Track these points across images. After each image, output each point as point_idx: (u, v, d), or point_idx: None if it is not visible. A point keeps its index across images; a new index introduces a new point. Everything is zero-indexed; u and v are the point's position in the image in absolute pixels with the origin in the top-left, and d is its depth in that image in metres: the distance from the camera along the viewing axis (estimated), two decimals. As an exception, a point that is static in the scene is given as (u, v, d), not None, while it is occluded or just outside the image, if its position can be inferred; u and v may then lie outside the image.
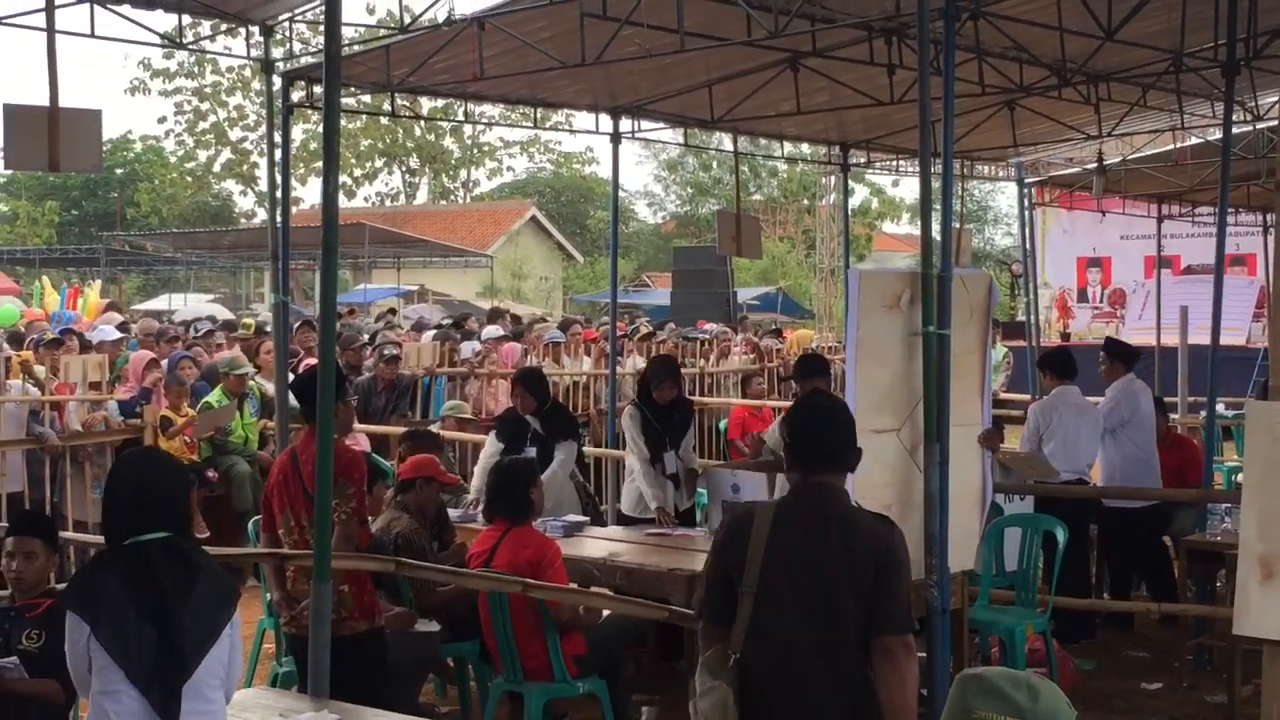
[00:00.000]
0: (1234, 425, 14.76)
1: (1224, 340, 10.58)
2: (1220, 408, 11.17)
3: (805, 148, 16.39)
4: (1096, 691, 8.18)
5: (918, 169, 7.40)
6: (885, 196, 50.10)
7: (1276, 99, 12.10)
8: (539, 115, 12.55)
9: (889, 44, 9.72)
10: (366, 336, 16.63)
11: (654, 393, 9.22)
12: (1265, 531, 3.78)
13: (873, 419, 6.80)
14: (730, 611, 4.21)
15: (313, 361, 11.58)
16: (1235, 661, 7.91)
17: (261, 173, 46.69)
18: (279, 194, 9.94)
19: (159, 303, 35.68)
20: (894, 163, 15.33)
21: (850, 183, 15.73)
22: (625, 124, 12.07)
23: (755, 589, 4.15)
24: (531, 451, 9.30)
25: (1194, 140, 15.09)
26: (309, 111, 11.30)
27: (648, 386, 9.30)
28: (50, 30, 8.04)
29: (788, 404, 11.55)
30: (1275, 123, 13.32)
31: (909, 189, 53.26)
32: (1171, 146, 15.31)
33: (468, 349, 15.43)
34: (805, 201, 45.38)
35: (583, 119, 12.18)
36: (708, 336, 19.71)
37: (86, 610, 4.07)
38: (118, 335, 14.01)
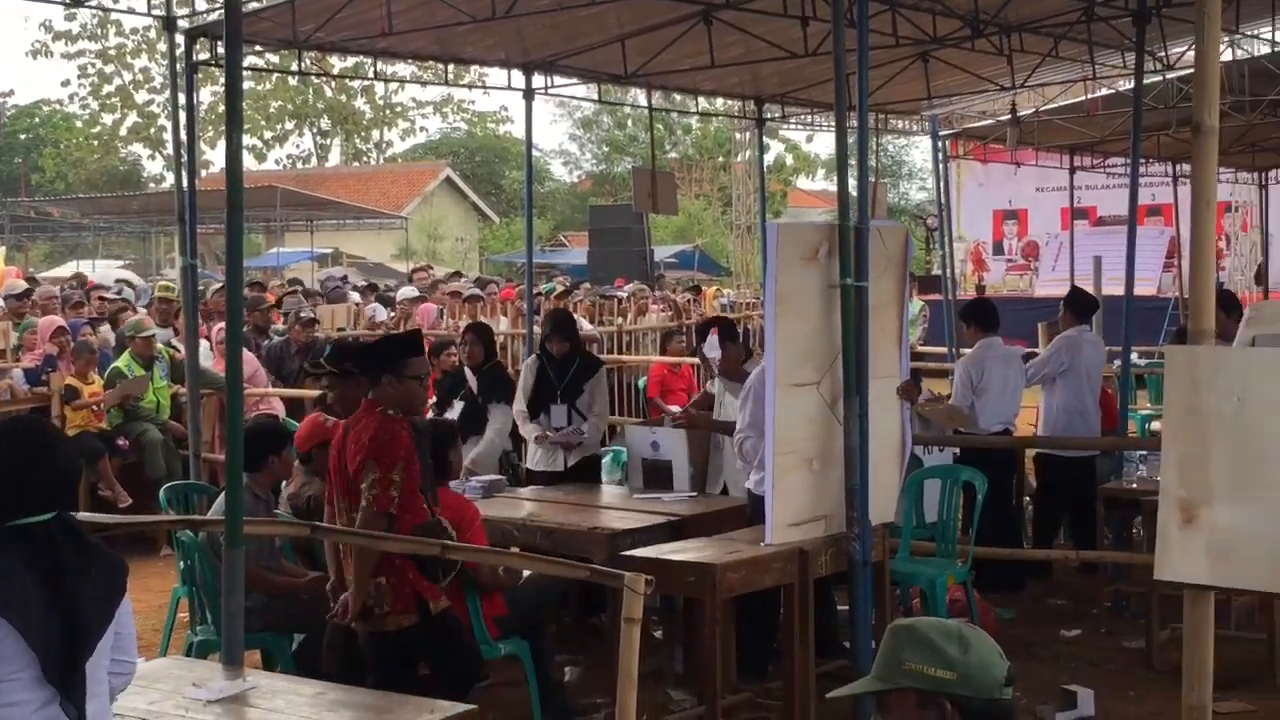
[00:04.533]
0: (1147, 374, 14.91)
1: (1136, 290, 10.66)
2: (1133, 356, 11.26)
3: (720, 103, 16.32)
4: (1017, 639, 8.21)
5: (833, 123, 7.34)
6: (800, 152, 50.20)
7: (1186, 48, 12.15)
8: (451, 73, 12.37)
9: (802, -5, 9.65)
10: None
11: (547, 345, 9.21)
12: (1185, 476, 3.76)
13: (793, 373, 6.77)
14: None
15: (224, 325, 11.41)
16: (1152, 607, 7.99)
17: (170, 136, 45.98)
18: (185, 156, 9.73)
19: (67, 269, 35.07)
20: (809, 117, 15.28)
21: (765, 139, 15.67)
22: (538, 80, 11.92)
23: None
24: (458, 408, 9.23)
25: (1105, 91, 15.17)
26: (216, 72, 11.04)
27: (545, 341, 9.31)
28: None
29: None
30: (1186, 72, 13.41)
31: (823, 145, 53.36)
32: (1084, 97, 15.39)
33: (379, 313, 15.27)
34: (720, 159, 45.36)
35: (495, 76, 12.05)
36: (625, 295, 19.66)
37: None
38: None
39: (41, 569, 3.80)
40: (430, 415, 9.24)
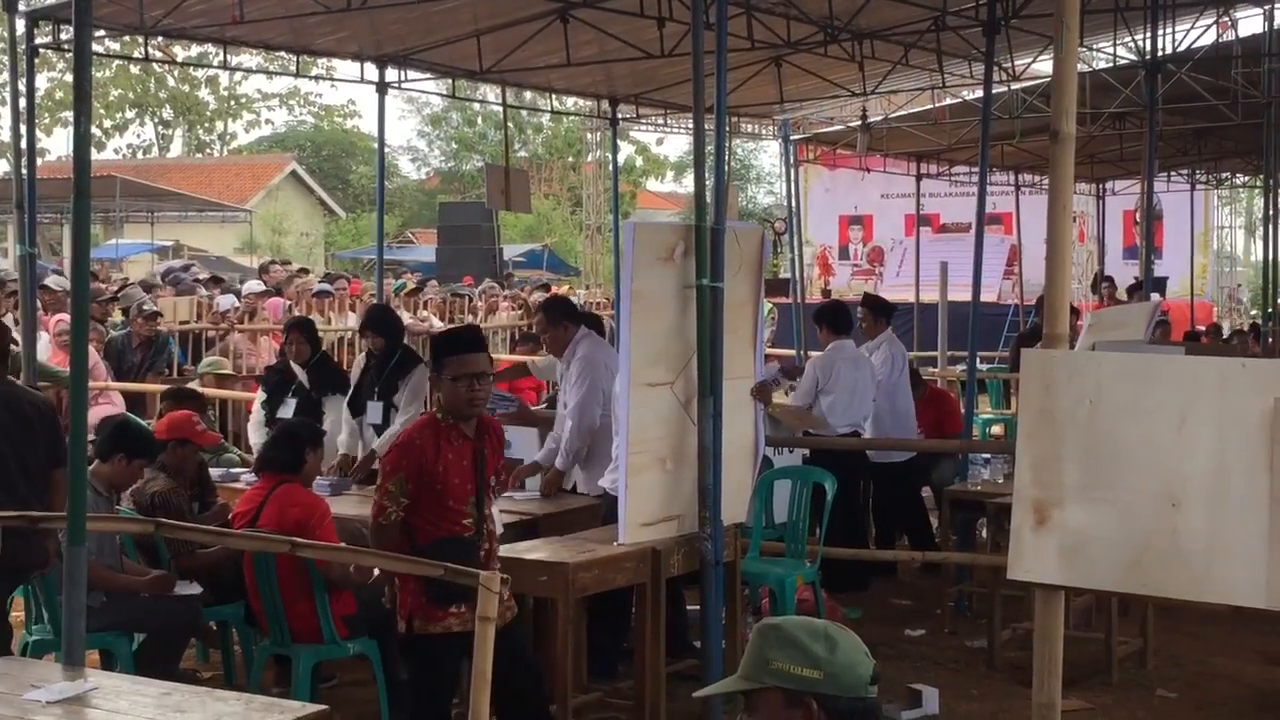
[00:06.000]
0: (988, 378, 15.22)
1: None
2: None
3: (573, 103, 16.31)
4: (864, 638, 8.01)
5: (687, 124, 7.38)
6: (649, 154, 50.39)
7: (1033, 59, 12.44)
8: (300, 64, 12.18)
9: (659, -4, 9.68)
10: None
11: (363, 340, 9.08)
12: (1039, 477, 3.82)
13: (647, 372, 6.76)
14: None
15: (64, 317, 11.12)
16: (995, 607, 8.14)
17: (4, 121, 44.71)
18: (24, 143, 9.45)
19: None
20: (663, 118, 15.34)
21: (616, 139, 15.70)
22: (391, 74, 11.80)
23: None
24: (291, 404, 9.07)
25: (951, 100, 15.45)
26: (54, 58, 10.76)
27: None
28: None
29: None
30: (1032, 83, 13.73)
31: (673, 147, 53.69)
32: (931, 106, 15.66)
33: (226, 303, 14.99)
34: (570, 159, 45.35)
35: (346, 69, 11.86)
36: (476, 293, 19.55)
37: None
38: None
39: None
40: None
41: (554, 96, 14.84)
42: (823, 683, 2.71)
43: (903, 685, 7.40)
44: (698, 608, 7.36)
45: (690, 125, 8.44)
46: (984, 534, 9.59)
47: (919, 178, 19.93)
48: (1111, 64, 14.34)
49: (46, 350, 11.41)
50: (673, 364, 6.94)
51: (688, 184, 45.15)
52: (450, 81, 13.25)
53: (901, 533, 10.64)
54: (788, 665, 2.72)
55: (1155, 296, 10.86)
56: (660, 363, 6.90)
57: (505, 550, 6.81)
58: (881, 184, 25.07)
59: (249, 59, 12.14)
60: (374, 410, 8.91)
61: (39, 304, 11.59)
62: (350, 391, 9.07)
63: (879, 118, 16.24)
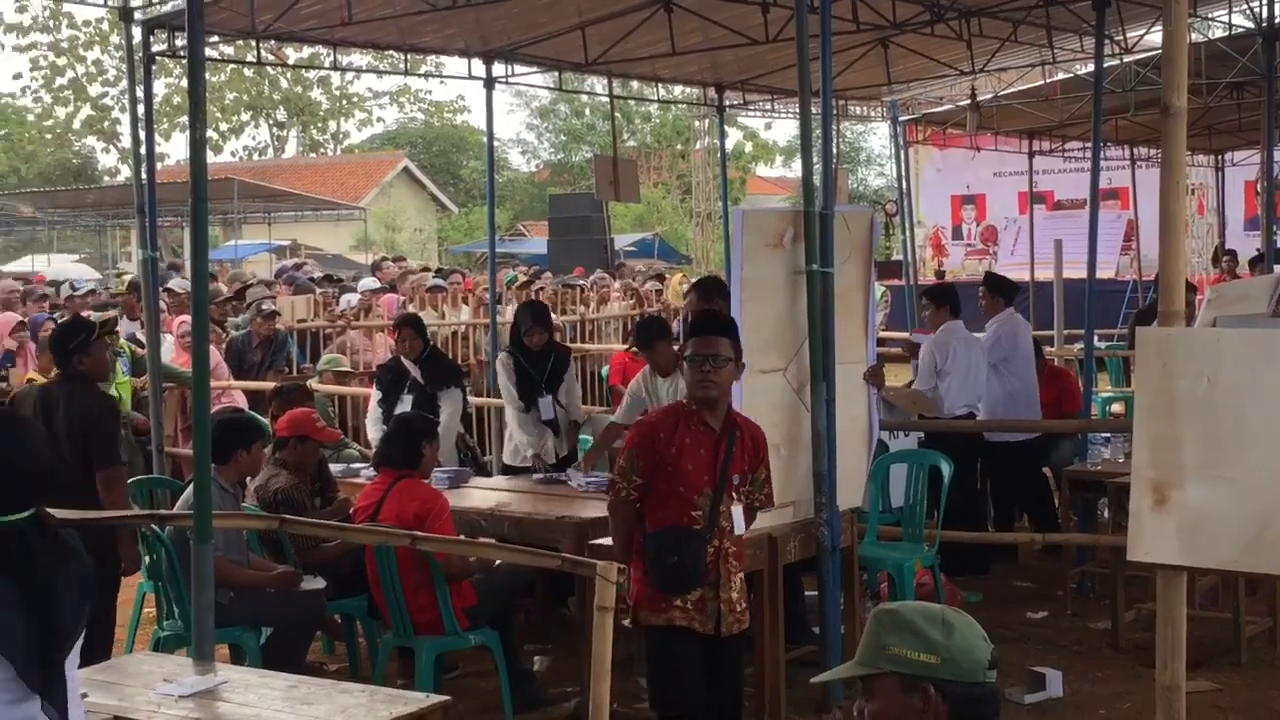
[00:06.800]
0: (1107, 356, 15.00)
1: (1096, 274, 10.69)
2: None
3: (679, 90, 16.31)
4: (984, 622, 8.08)
5: (794, 109, 7.36)
6: (758, 140, 50.25)
7: (1145, 31, 12.21)
8: (409, 62, 12.31)
9: (763, -19, 9.65)
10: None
11: (524, 339, 9.17)
12: (1157, 458, 3.78)
13: (759, 359, 6.76)
14: None
15: (186, 319, 11.35)
16: (1118, 588, 8.04)
17: (124, 129, 45.65)
18: (143, 149, 9.66)
19: (21, 264, 34.77)
20: (769, 103, 15.29)
21: (724, 126, 15.68)
22: (498, 69, 11.88)
23: None
24: (408, 400, 9.19)
25: (1063, 75, 15.23)
26: (170, 64, 10.97)
27: (519, 333, 9.24)
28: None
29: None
30: (1144, 55, 13.49)
31: (782, 132, 53.50)
32: (1042, 82, 15.45)
33: (346, 301, 15.20)
34: (679, 146, 45.36)
35: (454, 65, 11.96)
36: (586, 284, 19.62)
37: None
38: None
39: (15, 570, 3.71)
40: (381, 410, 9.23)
41: (660, 85, 14.85)
42: (940, 668, 2.70)
43: (1025, 668, 7.34)
44: (816, 594, 7.36)
45: (797, 110, 8.41)
46: (1105, 514, 9.46)
47: (1031, 155, 19.66)
48: (1227, 32, 14.04)
49: (171, 351, 11.66)
50: (784, 350, 6.94)
51: (797, 168, 44.98)
52: (557, 74, 13.30)
53: (1021, 514, 10.53)
54: (904, 650, 2.71)
55: (1278, 269, 10.60)
56: (772, 349, 6.90)
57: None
58: (994, 162, 24.77)
59: (359, 58, 12.28)
60: (546, 406, 9.05)
61: (162, 306, 11.85)
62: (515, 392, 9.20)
63: (989, 96, 16.05)
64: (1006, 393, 10.10)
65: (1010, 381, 10.10)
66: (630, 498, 5.64)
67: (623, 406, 8.70)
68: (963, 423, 9.65)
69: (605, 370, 14.96)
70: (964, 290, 10.98)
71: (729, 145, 21.01)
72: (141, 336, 11.97)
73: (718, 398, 5.64)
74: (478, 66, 11.79)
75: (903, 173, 17.30)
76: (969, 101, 15.39)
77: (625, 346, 15.13)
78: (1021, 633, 8.38)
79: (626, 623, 5.67)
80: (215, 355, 11.72)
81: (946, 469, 8.36)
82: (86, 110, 50.70)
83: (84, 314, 11.40)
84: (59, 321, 10.63)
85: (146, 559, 7.26)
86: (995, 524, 10.37)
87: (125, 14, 9.43)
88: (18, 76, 66.44)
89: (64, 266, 29.47)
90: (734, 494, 5.69)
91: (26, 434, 3.90)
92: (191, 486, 6.15)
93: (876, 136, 52.31)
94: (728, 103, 14.38)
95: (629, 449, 5.69)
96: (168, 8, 9.72)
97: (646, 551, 5.59)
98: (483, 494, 8.26)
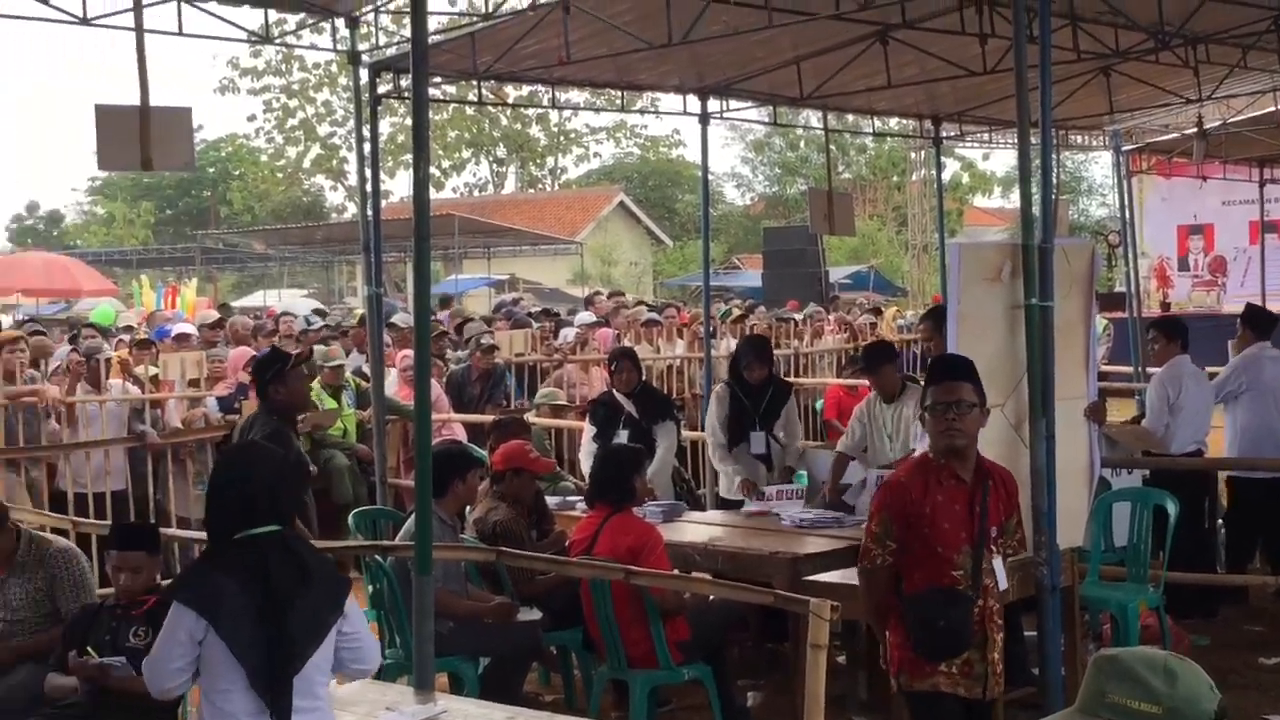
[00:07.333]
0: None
1: (1335, 304, 10.32)
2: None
3: (895, 122, 16.20)
4: (1213, 667, 7.84)
5: (1012, 140, 7.26)
6: (976, 170, 49.59)
7: (1381, 55, 11.73)
8: (625, 99, 12.46)
9: (980, 12, 9.52)
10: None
11: (744, 373, 9.20)
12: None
13: (976, 395, 6.65)
14: None
15: (409, 353, 11.64)
16: (1358, 634, 7.71)
17: (350, 167, 47.04)
18: (369, 187, 9.97)
19: (254, 299, 36.06)
20: (987, 135, 15.08)
21: (941, 157, 15.51)
22: (713, 104, 11.96)
23: None
24: (623, 436, 9.28)
25: (1295, 101, 14.72)
26: (395, 105, 11.30)
27: (738, 366, 9.29)
28: (139, 29, 8.09)
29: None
30: (1381, 79, 12.97)
31: (1000, 162, 52.81)
32: (1274, 108, 14.94)
33: (563, 336, 15.43)
34: (895, 178, 45.00)
35: (669, 101, 12.09)
36: (800, 318, 19.55)
37: (205, 608, 4.05)
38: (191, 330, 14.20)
39: (254, 584, 3.97)
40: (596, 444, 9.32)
41: (875, 118, 14.77)
42: (1162, 718, 2.62)
43: (1258, 717, 7.07)
44: (1035, 634, 7.21)
45: (1016, 141, 8.29)
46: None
47: (1262, 183, 19.01)
48: None
49: (394, 385, 11.96)
50: (1002, 386, 6.83)
51: (1016, 199, 44.37)
52: (771, 109, 13.33)
53: (1253, 557, 10.15)
54: (1125, 699, 2.64)
55: None
56: (989, 384, 6.75)
57: (836, 576, 6.81)
58: (1222, 191, 23.98)
59: (576, 95, 12.44)
60: (757, 440, 9.09)
61: (387, 340, 12.18)
62: (720, 425, 9.26)
63: (1216, 123, 15.57)
64: (1245, 427, 9.77)
65: (1246, 416, 9.77)
66: (887, 564, 5.28)
67: (846, 434, 8.69)
68: (1191, 460, 9.36)
69: (819, 404, 14.90)
70: (1190, 323, 10.67)
71: (946, 176, 20.79)
72: (367, 370, 12.33)
73: (965, 447, 5.28)
74: (693, 102, 11.88)
75: (1126, 203, 16.88)
76: (1195, 130, 14.95)
77: (840, 380, 15.08)
78: (1254, 679, 8.07)
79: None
80: (436, 388, 11.99)
81: (1173, 508, 8.11)
82: (316, 150, 52.40)
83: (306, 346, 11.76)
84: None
85: (370, 588, 7.45)
86: (1228, 565, 10.01)
87: (353, 57, 9.75)
88: (252, 118, 68.84)
89: (293, 301, 30.43)
90: (992, 547, 5.36)
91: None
92: (413, 518, 6.29)
93: (1098, 165, 51.07)
94: (944, 134, 14.23)
95: (879, 513, 5.32)
96: (393, 51, 10.02)
97: (908, 616, 5.25)
98: (696, 528, 8.29)
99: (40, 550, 6.54)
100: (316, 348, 13.18)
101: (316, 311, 19.81)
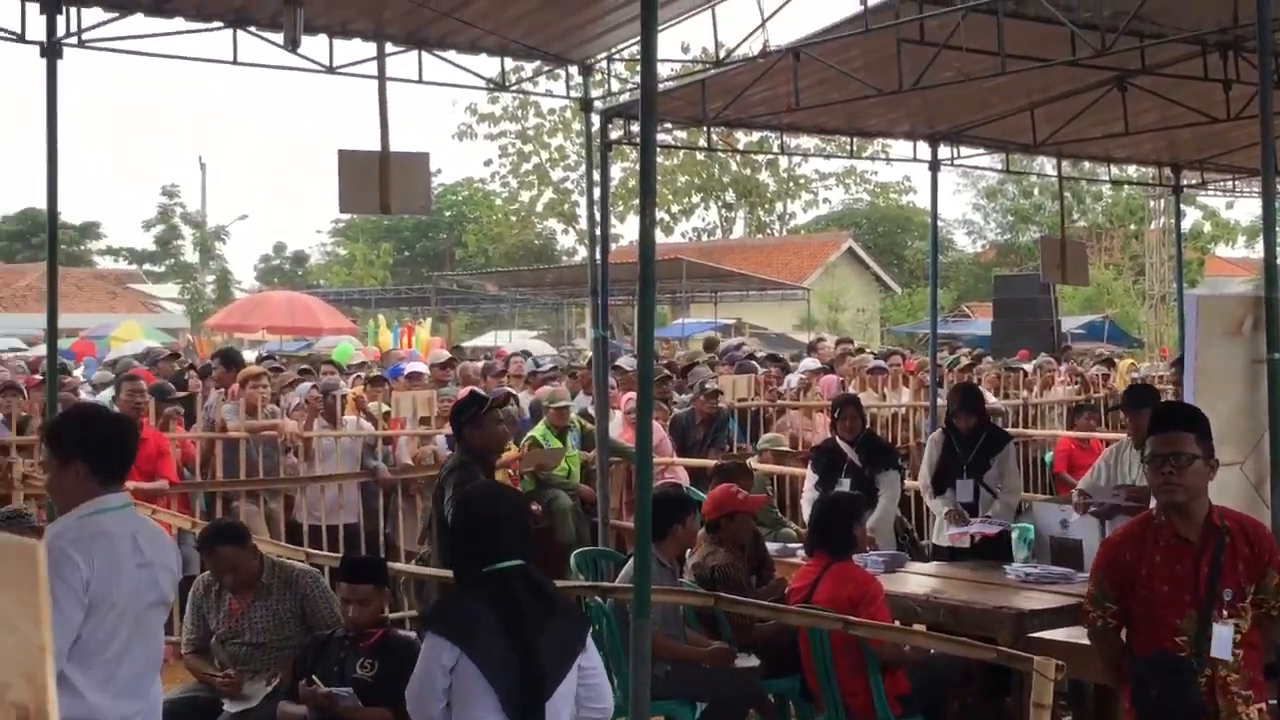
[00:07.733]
0: None
1: None
2: None
3: (1132, 170, 15.83)
4: None
5: (1257, 189, 7.03)
6: (1218, 219, 48.07)
7: None
8: (855, 145, 12.44)
9: (1224, 58, 9.29)
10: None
11: (953, 420, 9.21)
12: None
13: (1215, 451, 6.43)
14: None
15: (633, 395, 11.73)
16: None
17: (582, 211, 47.77)
18: (598, 231, 10.11)
19: (485, 339, 36.83)
20: (1230, 183, 14.63)
21: (1181, 205, 15.10)
22: (944, 151, 11.87)
23: None
24: (845, 484, 9.23)
25: None
26: (627, 150, 11.46)
27: (950, 413, 9.33)
28: (381, 77, 8.37)
29: (1117, 436, 11.09)
30: None
31: (1244, 211, 50.94)
32: None
33: (788, 382, 15.40)
34: (1132, 226, 43.92)
35: (900, 147, 12.04)
36: (1030, 368, 19.16)
37: (460, 637, 4.22)
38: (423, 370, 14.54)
39: (504, 613, 4.19)
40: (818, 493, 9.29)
41: (1112, 165, 14.47)
42: None
43: None
44: (1276, 702, 6.91)
45: (1260, 189, 8.03)
46: None
47: None
48: None
49: (618, 427, 12.07)
50: (1241, 443, 6.60)
51: (1260, 249, 42.87)
52: (1004, 155, 13.16)
53: None
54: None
55: None
56: (1228, 441, 6.56)
57: (1063, 634, 6.63)
58: None
59: (806, 141, 12.46)
60: (964, 488, 9.01)
61: (612, 383, 12.30)
62: (929, 468, 9.25)
63: None
64: None
65: None
66: (1109, 626, 5.03)
67: (1090, 473, 8.52)
68: None
69: (1048, 456, 14.56)
70: None
71: (1186, 225, 20.21)
72: (593, 411, 12.47)
73: (1185, 503, 4.88)
74: (923, 149, 11.81)
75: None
76: None
77: (1071, 433, 14.72)
78: None
79: None
80: (659, 431, 12.06)
81: None
82: (549, 194, 53.37)
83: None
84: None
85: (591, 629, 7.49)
86: None
87: (586, 104, 9.93)
88: (488, 163, 70.30)
89: (523, 342, 31.01)
90: (1225, 612, 4.87)
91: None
92: (632, 561, 6.33)
93: (1350, 215, 49.06)
94: (1185, 182, 13.87)
95: (1095, 574, 5.10)
96: (625, 98, 10.17)
97: (1132, 679, 5.00)
98: (918, 579, 8.16)
99: (285, 573, 6.76)
100: (543, 389, 13.39)
101: (547, 356, 20.11)
